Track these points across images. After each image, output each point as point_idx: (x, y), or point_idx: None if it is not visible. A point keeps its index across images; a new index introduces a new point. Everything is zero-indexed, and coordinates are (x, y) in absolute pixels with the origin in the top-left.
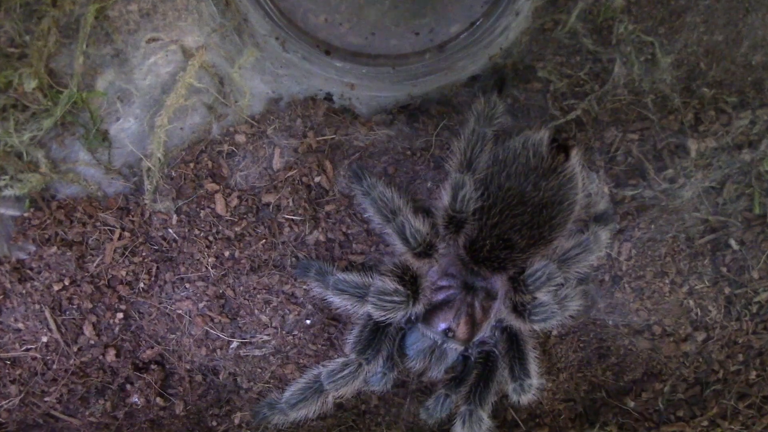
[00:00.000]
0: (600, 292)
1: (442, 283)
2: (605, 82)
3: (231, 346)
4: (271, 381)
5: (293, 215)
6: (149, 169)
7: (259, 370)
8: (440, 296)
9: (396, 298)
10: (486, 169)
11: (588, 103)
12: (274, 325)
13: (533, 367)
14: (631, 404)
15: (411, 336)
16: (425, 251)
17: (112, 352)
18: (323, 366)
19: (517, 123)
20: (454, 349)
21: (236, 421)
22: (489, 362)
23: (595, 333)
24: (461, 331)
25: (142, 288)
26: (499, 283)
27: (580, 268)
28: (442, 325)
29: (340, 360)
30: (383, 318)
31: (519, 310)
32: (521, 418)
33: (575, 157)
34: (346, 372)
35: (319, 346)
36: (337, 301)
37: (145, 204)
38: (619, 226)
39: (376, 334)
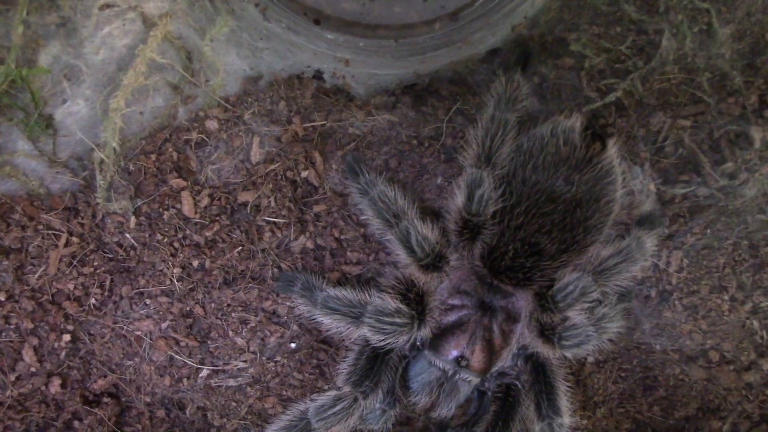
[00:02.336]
0: (645, 311)
1: (453, 302)
2: (651, 57)
3: (200, 375)
4: (249, 417)
5: (275, 217)
6: (102, 161)
7: (234, 403)
8: (451, 317)
9: (398, 320)
10: (508, 163)
11: (630, 83)
12: (251, 349)
13: (564, 402)
14: None
15: (416, 365)
16: (434, 263)
17: (56, 381)
18: (311, 400)
19: (546, 107)
20: (467, 381)
21: None
22: (510, 398)
23: (639, 360)
24: (477, 359)
25: (94, 305)
26: (523, 301)
27: (620, 281)
28: (454, 353)
29: (332, 393)
30: (383, 343)
31: (547, 333)
32: None
33: (613, 146)
34: (338, 408)
35: (306, 375)
36: (328, 321)
37: (98, 204)
38: (668, 230)
39: (374, 363)
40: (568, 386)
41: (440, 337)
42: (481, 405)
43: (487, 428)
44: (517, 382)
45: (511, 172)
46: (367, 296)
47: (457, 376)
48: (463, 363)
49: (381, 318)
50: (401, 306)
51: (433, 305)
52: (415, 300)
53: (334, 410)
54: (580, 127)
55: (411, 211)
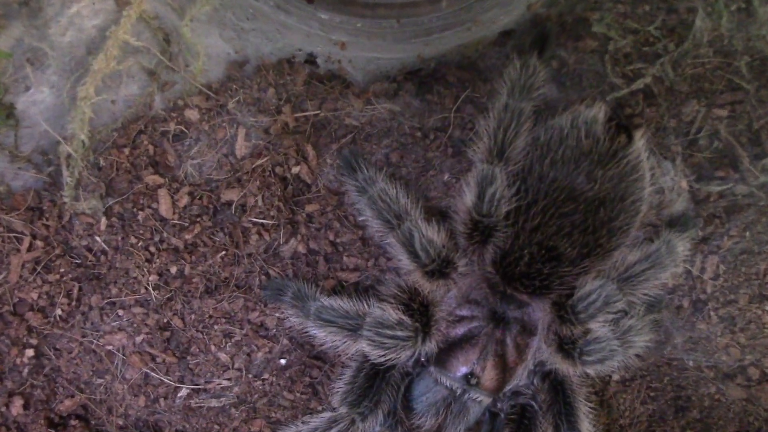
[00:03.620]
0: (677, 323)
1: (462, 313)
2: (683, 39)
3: (179, 395)
4: None
5: (263, 218)
6: (69, 155)
7: (217, 426)
8: (460, 330)
9: (400, 333)
10: (523, 158)
11: (660, 68)
12: (236, 366)
13: (586, 426)
14: None
15: (420, 384)
16: (440, 269)
17: (18, 402)
18: (303, 423)
19: (565, 95)
20: (478, 401)
21: None
22: (525, 421)
23: (670, 377)
24: (488, 377)
25: (60, 316)
26: (540, 312)
27: (648, 290)
28: (463, 369)
29: (327, 415)
30: (383, 359)
31: (566, 347)
32: None
33: (641, 138)
34: (333, 431)
35: (298, 394)
36: (322, 335)
37: (64, 203)
38: (702, 233)
39: (373, 381)
40: (591, 407)
41: (448, 351)
42: (492, 428)
43: None
44: (533, 403)
45: (527, 167)
46: (366, 306)
47: (466, 396)
48: (473, 381)
49: (381, 331)
50: (404, 317)
51: (440, 317)
52: (419, 311)
53: None
54: (603, 117)
55: (414, 211)
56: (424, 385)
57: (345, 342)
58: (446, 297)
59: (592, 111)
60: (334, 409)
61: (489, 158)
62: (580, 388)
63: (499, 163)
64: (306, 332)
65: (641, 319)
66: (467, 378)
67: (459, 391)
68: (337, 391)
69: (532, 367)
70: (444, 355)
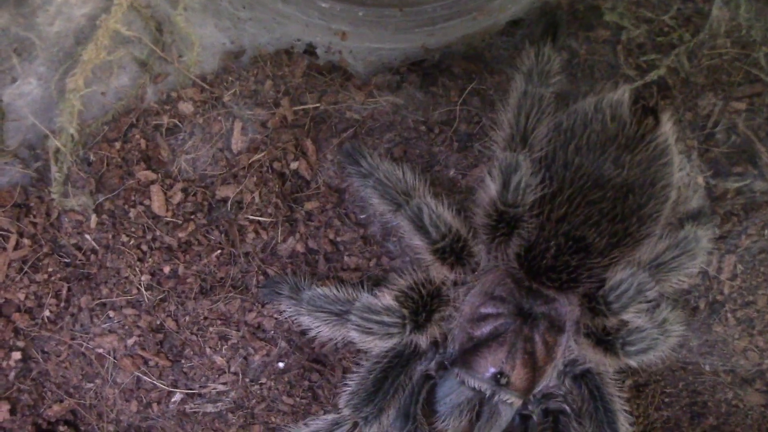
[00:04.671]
0: (692, 325)
1: (487, 311)
2: (699, 29)
3: (173, 400)
4: None
5: (260, 216)
6: (58, 150)
7: None
8: (486, 329)
9: (386, 319)
10: (546, 145)
11: (675, 59)
12: (233, 369)
13: (625, 428)
14: None
15: (444, 385)
16: (452, 249)
17: (4, 407)
18: (305, 425)
19: (576, 87)
20: (509, 403)
21: None
22: (559, 429)
23: (685, 382)
24: (518, 376)
25: (48, 317)
26: (567, 308)
27: (679, 279)
28: (492, 369)
29: (330, 417)
30: (370, 345)
31: (608, 339)
32: None
33: (668, 121)
34: None
35: (297, 399)
36: (311, 321)
37: (52, 199)
38: (719, 231)
39: (381, 385)
40: (626, 408)
41: (473, 351)
42: None
43: None
44: (566, 407)
45: (550, 155)
46: (359, 293)
47: (496, 397)
48: (503, 381)
49: (368, 316)
50: (392, 303)
51: (465, 315)
52: (422, 300)
53: None
54: (629, 99)
55: (422, 187)
56: (448, 386)
57: (333, 328)
58: (469, 295)
59: (617, 94)
60: (339, 410)
61: (512, 146)
62: (616, 390)
63: (522, 150)
64: (299, 323)
65: (673, 311)
66: (496, 378)
67: (488, 393)
68: (345, 392)
69: (562, 367)
70: (469, 356)
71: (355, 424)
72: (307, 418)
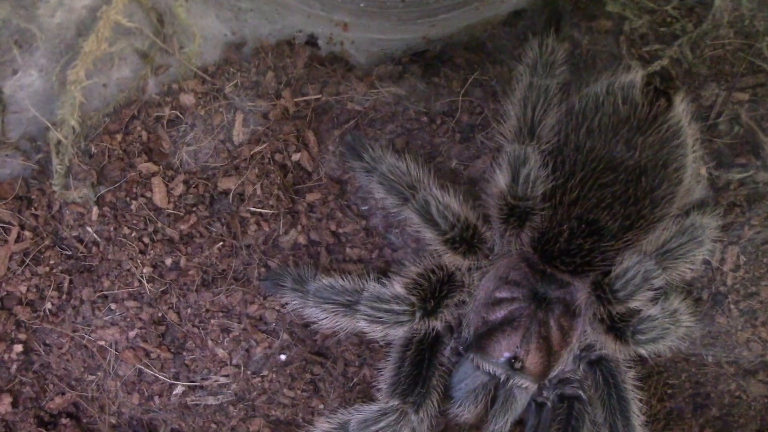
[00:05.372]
0: (696, 316)
1: (501, 295)
2: (702, 19)
3: (174, 392)
4: None
5: (262, 208)
6: (59, 142)
7: (214, 425)
8: (500, 313)
9: (396, 307)
10: (554, 136)
11: (678, 50)
12: (234, 362)
13: (637, 418)
14: None
15: (459, 371)
16: (463, 238)
17: (6, 399)
18: (356, 411)
19: (578, 78)
20: (524, 387)
21: None
22: (573, 416)
23: (688, 374)
24: (532, 360)
25: (50, 310)
26: (582, 293)
27: (686, 267)
28: (506, 354)
29: (375, 407)
30: (380, 335)
31: (619, 326)
32: None
33: (681, 102)
34: (383, 424)
35: (299, 392)
36: (319, 314)
37: (54, 192)
38: (722, 222)
39: (420, 370)
40: (639, 396)
41: (488, 335)
42: (539, 421)
43: None
44: (581, 393)
45: (562, 139)
46: (366, 284)
47: (510, 382)
48: (518, 365)
49: (377, 305)
50: (400, 291)
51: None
52: (432, 287)
53: (379, 426)
54: (641, 81)
55: (428, 179)
56: (463, 372)
57: (343, 320)
58: (483, 279)
59: (628, 76)
60: (385, 402)
61: (519, 138)
62: (629, 377)
63: (530, 142)
64: (306, 316)
65: (682, 301)
66: (511, 363)
67: (503, 377)
68: (385, 384)
69: (578, 351)
70: (484, 340)
71: (403, 414)
72: (307, 411)
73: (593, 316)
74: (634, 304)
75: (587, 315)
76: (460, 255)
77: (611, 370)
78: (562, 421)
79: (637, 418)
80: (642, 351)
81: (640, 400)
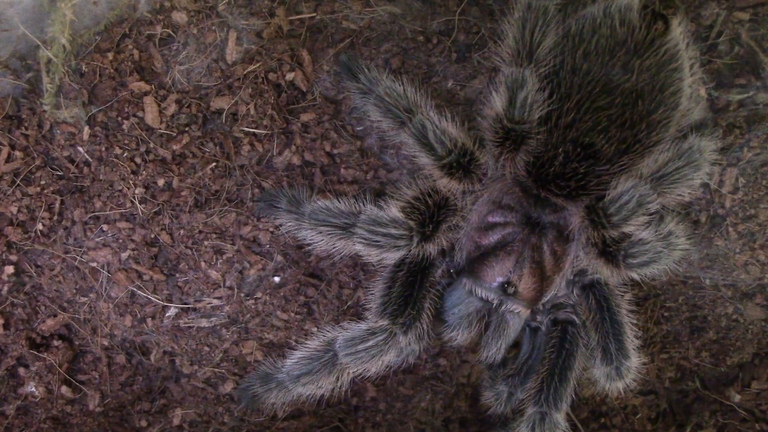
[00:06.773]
0: (693, 239)
1: (494, 219)
2: None
3: (167, 314)
4: (224, 364)
5: (255, 128)
6: (49, 61)
7: (207, 348)
8: (493, 238)
9: (393, 231)
10: (552, 59)
11: None
12: (228, 284)
13: (631, 342)
14: (737, 398)
15: (452, 295)
16: (459, 162)
17: None
18: (342, 328)
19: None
20: (516, 312)
21: (175, 421)
22: (566, 339)
23: (685, 296)
24: (525, 285)
25: (41, 231)
26: (576, 217)
27: (682, 191)
28: (499, 279)
29: (363, 326)
30: (377, 258)
31: (610, 250)
32: (580, 417)
33: (678, 26)
34: (371, 343)
35: (292, 314)
36: (315, 237)
37: (44, 111)
38: (721, 143)
39: (411, 292)
40: (633, 320)
41: (480, 260)
42: (533, 346)
43: (542, 381)
44: (575, 317)
45: (558, 61)
46: (363, 206)
47: (503, 307)
48: (510, 290)
49: (374, 229)
50: (398, 215)
51: (473, 223)
52: (429, 211)
53: (366, 345)
54: (638, 4)
55: (425, 103)
56: (456, 296)
57: (338, 243)
58: (476, 203)
59: None
60: (372, 320)
61: (517, 60)
62: (623, 301)
63: (528, 65)
64: (301, 239)
65: (678, 225)
66: (504, 287)
67: (495, 303)
68: (374, 303)
69: (571, 276)
70: (477, 265)
71: (392, 334)
72: (301, 334)
73: (586, 241)
74: (628, 229)
75: (580, 240)
76: (456, 180)
77: (604, 294)
78: (555, 345)
79: (631, 342)
80: (634, 275)
81: (636, 325)
